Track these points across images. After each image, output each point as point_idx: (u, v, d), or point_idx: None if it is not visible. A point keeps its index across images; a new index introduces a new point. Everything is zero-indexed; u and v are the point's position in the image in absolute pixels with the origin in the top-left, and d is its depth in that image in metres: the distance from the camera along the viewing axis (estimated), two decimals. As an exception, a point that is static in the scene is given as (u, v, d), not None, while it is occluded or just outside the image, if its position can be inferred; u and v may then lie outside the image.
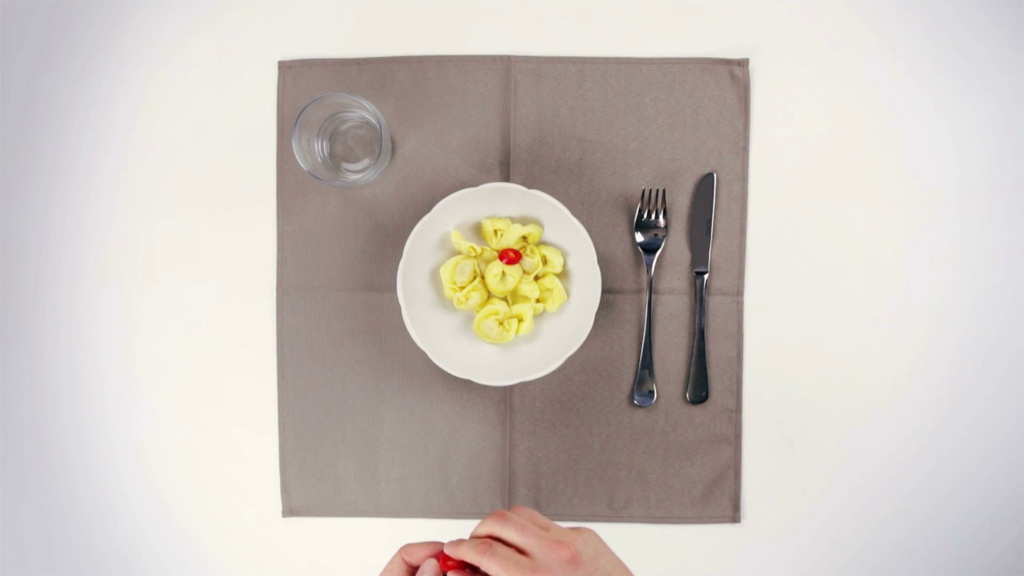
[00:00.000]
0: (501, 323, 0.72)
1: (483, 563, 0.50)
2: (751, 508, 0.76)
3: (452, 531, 0.76)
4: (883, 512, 0.76)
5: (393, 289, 0.74)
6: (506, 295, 0.73)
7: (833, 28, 0.75)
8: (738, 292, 0.75)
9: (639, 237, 0.75)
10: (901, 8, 0.75)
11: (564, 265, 0.73)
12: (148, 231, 0.77)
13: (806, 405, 0.76)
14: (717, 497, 0.75)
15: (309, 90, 0.75)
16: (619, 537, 0.76)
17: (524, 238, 0.72)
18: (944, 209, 0.75)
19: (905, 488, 0.76)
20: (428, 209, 0.71)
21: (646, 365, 0.75)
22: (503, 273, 0.72)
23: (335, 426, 0.76)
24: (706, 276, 0.75)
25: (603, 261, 0.73)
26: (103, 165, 0.76)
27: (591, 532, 0.52)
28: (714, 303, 0.75)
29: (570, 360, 0.74)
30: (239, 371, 0.76)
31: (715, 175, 0.75)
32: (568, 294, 0.73)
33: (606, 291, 0.74)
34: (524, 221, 0.73)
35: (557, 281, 0.72)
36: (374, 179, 0.74)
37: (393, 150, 0.75)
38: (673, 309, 0.75)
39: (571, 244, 0.72)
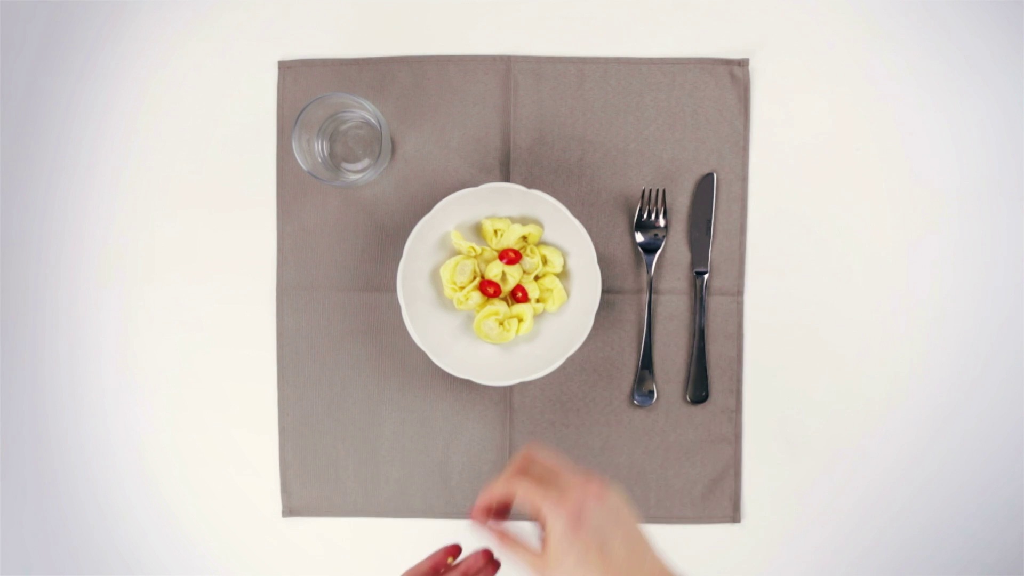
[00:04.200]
0: (501, 323, 0.72)
1: (517, 492, 0.51)
2: (751, 508, 0.76)
3: (452, 531, 0.76)
4: (884, 511, 0.76)
5: (393, 289, 0.74)
6: (506, 295, 0.73)
7: (833, 28, 0.75)
8: (738, 292, 0.75)
9: (639, 237, 0.75)
10: (901, 8, 0.75)
11: (564, 265, 0.73)
12: (148, 232, 0.77)
13: (806, 405, 0.76)
14: (717, 497, 0.75)
15: (309, 90, 0.75)
16: (619, 537, 0.77)
17: (524, 238, 0.72)
18: (944, 209, 0.75)
19: (906, 488, 0.76)
20: (428, 209, 0.71)
21: (646, 365, 0.75)
22: (503, 273, 0.72)
23: (335, 426, 0.76)
24: (706, 276, 0.75)
25: (603, 261, 0.73)
26: (103, 165, 0.76)
27: (616, 488, 0.52)
28: (714, 303, 0.75)
29: (570, 360, 0.74)
30: (239, 371, 0.76)
31: (715, 175, 0.75)
32: (568, 294, 0.73)
33: (606, 291, 0.74)
34: (524, 221, 0.73)
35: (557, 281, 0.72)
36: (374, 179, 0.74)
37: (393, 150, 0.75)
38: (673, 309, 0.75)
39: (571, 244, 0.72)
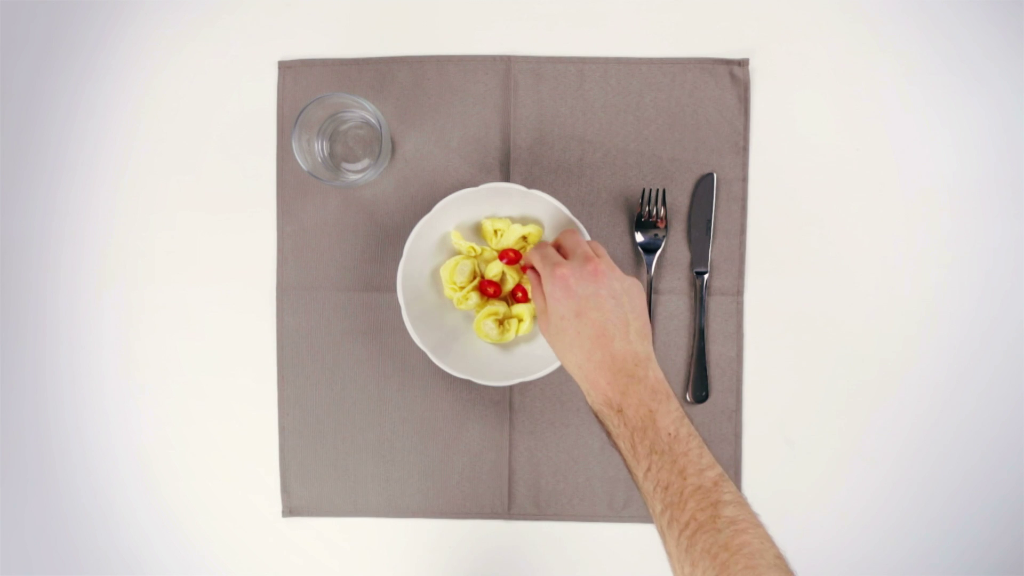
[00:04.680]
0: (501, 323, 0.72)
1: (529, 254, 0.63)
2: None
3: (452, 531, 0.77)
4: (885, 511, 0.76)
5: (393, 289, 0.74)
6: (506, 295, 0.73)
7: (833, 28, 0.75)
8: (738, 292, 0.75)
9: (639, 237, 0.75)
10: (901, 9, 0.75)
11: (564, 265, 0.73)
12: (149, 232, 0.77)
13: (806, 404, 0.76)
14: (717, 497, 0.75)
15: (309, 90, 0.75)
16: (619, 537, 0.77)
17: (524, 238, 0.72)
18: (943, 209, 0.75)
19: (908, 487, 0.76)
20: (428, 209, 0.71)
21: (646, 365, 0.74)
22: (503, 273, 0.72)
23: (335, 426, 0.76)
24: (706, 276, 0.75)
25: (603, 261, 0.73)
26: (104, 166, 0.76)
27: (636, 284, 0.60)
28: (714, 303, 0.75)
29: (570, 360, 0.74)
30: (240, 372, 0.76)
31: (715, 175, 0.75)
32: (568, 294, 0.73)
33: (606, 291, 0.74)
34: (524, 221, 0.73)
35: (557, 281, 0.72)
36: (374, 179, 0.74)
37: (393, 150, 0.75)
38: (673, 309, 0.75)
39: (571, 244, 0.72)
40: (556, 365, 0.70)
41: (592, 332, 0.57)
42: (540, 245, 0.62)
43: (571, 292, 0.58)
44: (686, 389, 0.75)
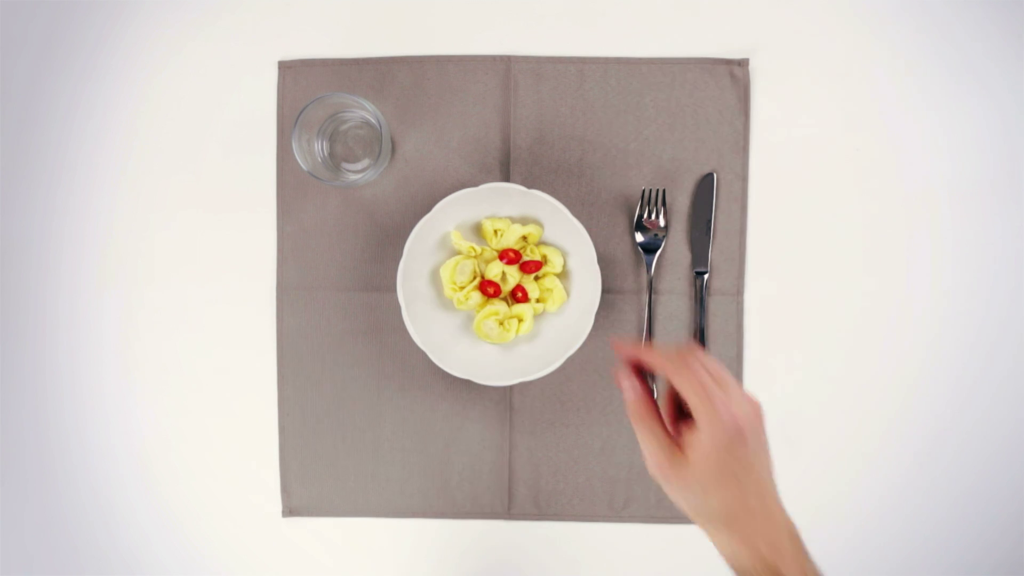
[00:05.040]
0: (501, 323, 0.72)
1: (677, 376, 0.48)
2: (751, 508, 0.75)
3: (452, 531, 0.77)
4: (886, 511, 0.76)
5: (393, 289, 0.74)
6: (506, 295, 0.73)
7: (833, 28, 0.75)
8: (738, 292, 0.75)
9: (639, 237, 0.75)
10: (901, 9, 0.75)
11: (564, 265, 0.73)
12: (149, 232, 0.77)
13: (807, 405, 0.76)
14: (717, 497, 0.75)
15: (309, 90, 0.75)
16: (619, 537, 0.77)
17: (524, 238, 0.72)
18: (943, 209, 0.75)
19: (908, 487, 0.76)
20: (428, 209, 0.71)
21: (646, 365, 0.74)
22: (503, 273, 0.72)
23: (335, 426, 0.76)
24: (706, 276, 0.75)
25: (603, 261, 0.73)
26: (103, 166, 0.76)
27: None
28: (714, 303, 0.75)
29: (570, 360, 0.74)
30: (239, 371, 0.76)
31: (715, 175, 0.75)
32: (568, 294, 0.73)
33: (606, 291, 0.74)
34: (524, 221, 0.73)
35: (557, 281, 0.72)
36: (374, 179, 0.74)
37: (393, 150, 0.75)
38: (673, 309, 0.75)
39: (571, 244, 0.72)
40: (556, 365, 0.70)
41: (751, 478, 0.48)
42: (686, 360, 0.49)
43: (743, 436, 0.47)
44: (686, 389, 0.75)
